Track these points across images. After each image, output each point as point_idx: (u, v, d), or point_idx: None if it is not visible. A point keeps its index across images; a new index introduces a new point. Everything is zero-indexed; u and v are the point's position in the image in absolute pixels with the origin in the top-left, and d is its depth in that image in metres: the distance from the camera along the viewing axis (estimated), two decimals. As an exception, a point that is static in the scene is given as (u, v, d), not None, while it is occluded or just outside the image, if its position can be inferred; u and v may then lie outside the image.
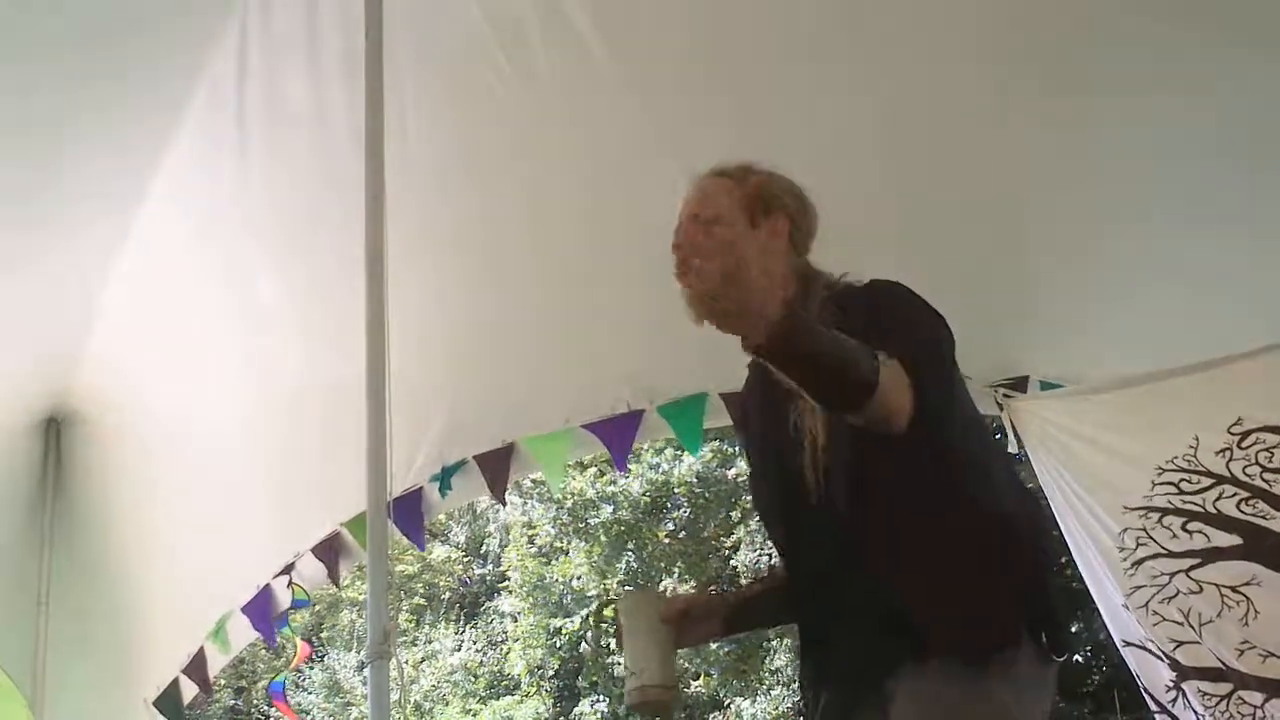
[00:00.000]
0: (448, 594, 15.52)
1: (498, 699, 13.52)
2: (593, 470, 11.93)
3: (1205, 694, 3.13)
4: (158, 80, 3.02)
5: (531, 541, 13.11)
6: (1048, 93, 2.74)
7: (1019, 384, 3.58)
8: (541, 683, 13.05)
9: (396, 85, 2.75)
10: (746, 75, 2.80)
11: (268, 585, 3.97)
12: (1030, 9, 2.60)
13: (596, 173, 3.09)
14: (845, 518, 1.70)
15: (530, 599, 12.96)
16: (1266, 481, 3.01)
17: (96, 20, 2.63)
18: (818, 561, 1.79)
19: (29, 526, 4.25)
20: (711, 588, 11.15)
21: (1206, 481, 3.08)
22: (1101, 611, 3.46)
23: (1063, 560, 3.41)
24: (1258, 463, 3.02)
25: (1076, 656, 9.91)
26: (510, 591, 13.77)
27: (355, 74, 2.68)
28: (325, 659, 14.76)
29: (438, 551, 15.12)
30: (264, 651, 13.31)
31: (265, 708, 14.05)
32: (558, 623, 12.56)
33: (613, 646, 11.87)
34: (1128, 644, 3.35)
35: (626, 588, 11.55)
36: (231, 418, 3.83)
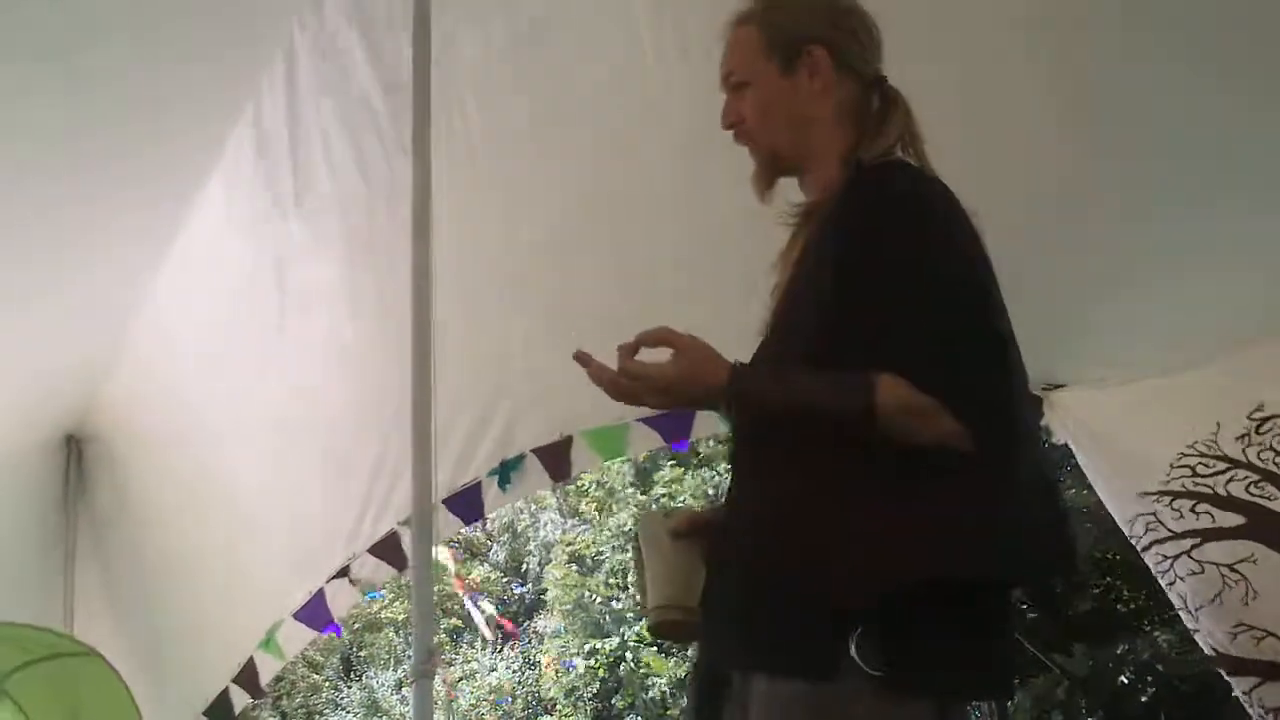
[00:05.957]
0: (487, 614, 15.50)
1: (535, 719, 13.49)
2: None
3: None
4: (205, 109, 3.09)
5: (572, 559, 13.09)
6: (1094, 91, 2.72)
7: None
8: (580, 704, 13.00)
9: (442, 99, 2.78)
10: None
11: (320, 590, 3.97)
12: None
13: (656, 161, 3.06)
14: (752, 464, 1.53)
15: (569, 618, 12.94)
16: (1278, 465, 3.02)
17: (143, 47, 2.69)
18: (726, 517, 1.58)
19: (50, 544, 4.27)
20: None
21: (1222, 466, 3.09)
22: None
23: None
24: (1271, 448, 3.03)
25: (1121, 678, 9.67)
26: (549, 611, 13.75)
27: (402, 92, 2.72)
28: (363, 678, 14.79)
29: (476, 571, 15.13)
30: (302, 668, 13.38)
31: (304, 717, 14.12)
32: (595, 643, 12.51)
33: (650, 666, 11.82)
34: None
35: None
36: (268, 424, 3.87)
